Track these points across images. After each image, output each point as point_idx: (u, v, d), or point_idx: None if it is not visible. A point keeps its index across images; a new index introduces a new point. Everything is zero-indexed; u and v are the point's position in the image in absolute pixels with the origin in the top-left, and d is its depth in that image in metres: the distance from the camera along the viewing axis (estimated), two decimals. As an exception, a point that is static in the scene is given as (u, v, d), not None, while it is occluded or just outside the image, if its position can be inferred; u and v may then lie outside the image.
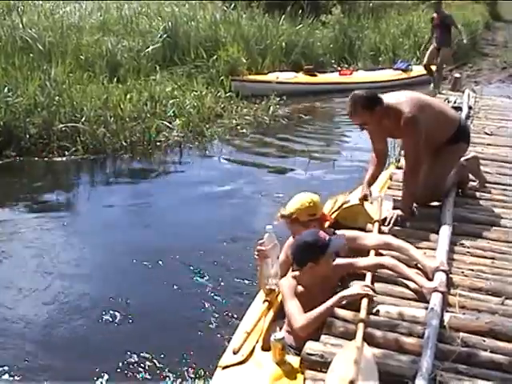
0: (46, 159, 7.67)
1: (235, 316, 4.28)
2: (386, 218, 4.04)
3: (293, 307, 3.01)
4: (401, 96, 4.08)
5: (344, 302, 3.04)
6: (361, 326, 2.84)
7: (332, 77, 12.49)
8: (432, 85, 11.06)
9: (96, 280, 5.01)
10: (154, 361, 3.93)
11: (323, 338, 2.89)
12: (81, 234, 5.89)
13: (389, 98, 4.03)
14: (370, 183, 4.40)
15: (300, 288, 3.12)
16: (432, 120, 4.01)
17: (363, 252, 3.53)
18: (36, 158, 7.69)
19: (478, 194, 4.61)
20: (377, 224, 3.94)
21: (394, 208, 4.15)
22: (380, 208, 4.11)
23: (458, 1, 20.78)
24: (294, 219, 3.44)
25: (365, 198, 4.26)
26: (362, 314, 2.92)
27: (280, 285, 3.23)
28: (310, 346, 2.81)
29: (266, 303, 3.43)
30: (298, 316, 2.95)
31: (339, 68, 13.27)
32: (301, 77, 11.93)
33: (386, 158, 4.56)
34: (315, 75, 12.11)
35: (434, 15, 11.03)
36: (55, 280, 4.97)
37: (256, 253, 3.41)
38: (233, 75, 11.14)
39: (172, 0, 14.38)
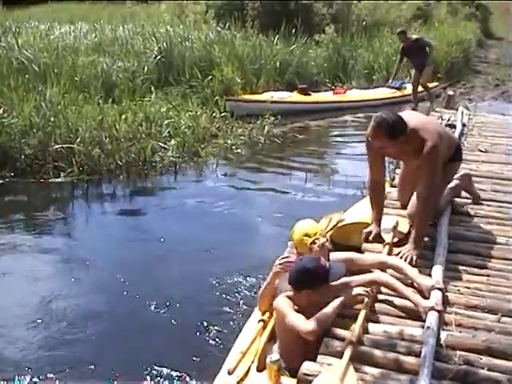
0: (41, 180, 7.65)
1: (230, 335, 4.26)
2: (398, 244, 3.96)
3: (296, 318, 3.01)
4: (423, 122, 3.99)
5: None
6: (349, 347, 2.84)
7: (326, 96, 12.53)
8: (429, 102, 11.06)
9: (90, 298, 4.98)
10: (147, 380, 3.88)
11: (320, 358, 2.88)
12: (76, 254, 5.85)
13: (412, 122, 3.86)
14: (379, 220, 4.19)
15: (296, 308, 3.11)
16: (445, 145, 3.99)
17: (360, 272, 3.53)
18: (31, 179, 7.67)
19: (472, 211, 4.61)
20: (387, 247, 3.92)
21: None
22: (395, 232, 4.09)
23: (450, 19, 21.00)
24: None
25: (378, 236, 4.09)
26: (354, 335, 2.92)
27: (276, 304, 3.21)
28: (307, 367, 2.80)
29: (261, 323, 3.42)
30: (305, 322, 2.96)
31: (333, 87, 13.30)
32: (295, 96, 11.94)
33: (385, 188, 4.35)
34: (309, 94, 12.14)
35: (403, 44, 11.02)
36: (50, 299, 4.93)
37: (280, 266, 3.43)
38: (227, 95, 11.17)
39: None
